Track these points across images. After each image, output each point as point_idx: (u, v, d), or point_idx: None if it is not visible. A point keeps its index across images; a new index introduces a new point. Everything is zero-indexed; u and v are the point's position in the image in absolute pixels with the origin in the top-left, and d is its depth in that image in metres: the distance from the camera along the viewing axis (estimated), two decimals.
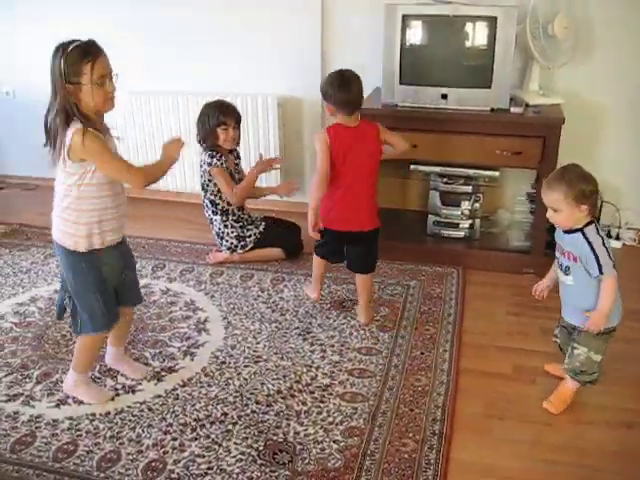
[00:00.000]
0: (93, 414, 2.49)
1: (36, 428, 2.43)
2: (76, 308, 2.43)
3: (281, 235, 3.63)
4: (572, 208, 2.20)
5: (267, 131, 3.98)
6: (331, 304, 3.20)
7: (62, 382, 2.67)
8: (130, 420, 2.45)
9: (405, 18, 3.16)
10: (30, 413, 2.51)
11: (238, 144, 3.55)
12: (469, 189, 3.48)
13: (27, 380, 2.69)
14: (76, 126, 2.14)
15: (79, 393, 2.58)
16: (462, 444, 2.30)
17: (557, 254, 2.40)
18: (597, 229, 2.27)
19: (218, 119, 3.38)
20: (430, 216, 3.61)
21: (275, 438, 2.35)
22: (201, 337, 2.97)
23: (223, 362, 2.79)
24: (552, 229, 2.46)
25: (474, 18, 3.14)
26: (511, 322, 3.02)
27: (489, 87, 3.17)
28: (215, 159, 3.41)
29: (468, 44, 3.22)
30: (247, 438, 2.35)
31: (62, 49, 2.13)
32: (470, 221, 3.54)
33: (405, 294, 3.27)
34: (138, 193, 4.37)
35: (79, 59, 2.13)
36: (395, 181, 3.78)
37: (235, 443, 2.33)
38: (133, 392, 2.62)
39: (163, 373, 2.72)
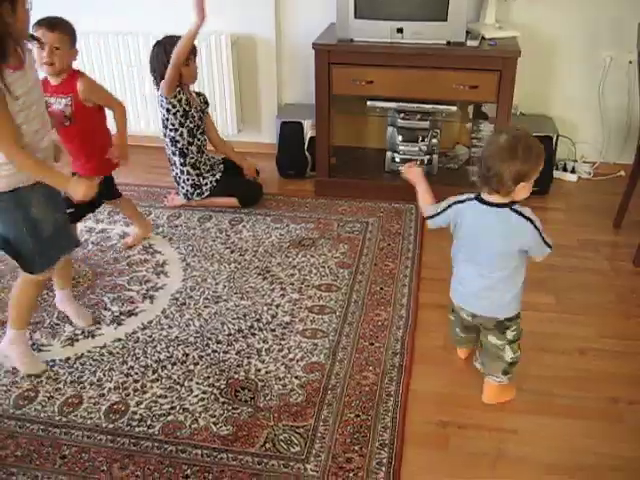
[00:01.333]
0: (53, 360, 2.47)
1: None
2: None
3: (238, 185, 3.56)
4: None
5: (221, 72, 3.87)
6: (290, 243, 3.19)
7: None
8: (90, 364, 2.44)
9: None
10: None
11: (196, 79, 3.43)
12: (427, 125, 3.47)
13: None
14: None
15: (11, 355, 2.42)
16: (422, 376, 2.35)
17: None
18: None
19: (168, 53, 3.24)
20: (388, 153, 3.60)
21: (237, 376, 2.36)
22: (160, 280, 2.94)
23: (183, 304, 2.78)
24: None
25: None
26: None
27: (445, 20, 3.13)
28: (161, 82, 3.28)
29: None
30: (209, 377, 2.36)
31: None
32: (428, 157, 3.53)
33: (364, 231, 3.28)
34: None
35: None
36: (352, 118, 3.74)
37: (197, 383, 2.34)
38: (93, 337, 2.60)
39: (122, 317, 2.70)
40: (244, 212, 3.48)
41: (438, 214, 2.21)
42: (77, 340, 2.58)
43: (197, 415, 2.20)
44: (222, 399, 2.26)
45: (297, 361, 2.43)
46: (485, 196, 2.03)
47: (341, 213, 3.45)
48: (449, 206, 2.16)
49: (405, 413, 2.18)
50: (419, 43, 3.19)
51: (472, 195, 2.09)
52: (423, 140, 3.49)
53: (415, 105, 3.41)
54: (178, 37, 3.20)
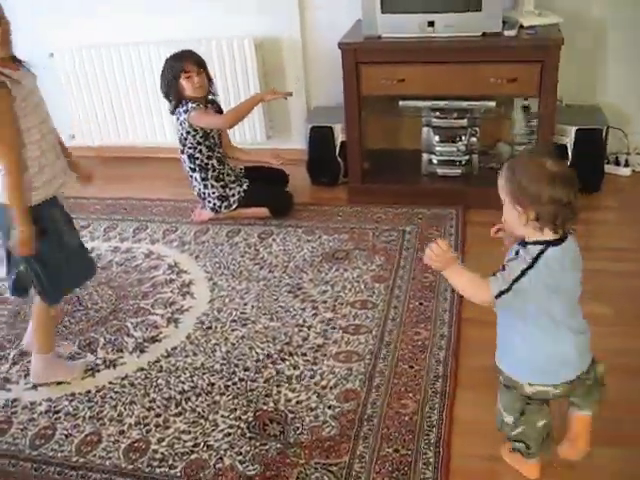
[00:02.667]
0: (72, 394, 2.34)
1: (12, 413, 2.28)
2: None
3: (268, 194, 3.38)
4: (511, 208, 1.60)
5: (246, 77, 3.71)
6: (323, 256, 3.00)
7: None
8: (111, 397, 2.30)
9: None
10: (6, 397, 2.36)
11: (211, 92, 3.27)
12: (464, 123, 3.23)
13: (3, 361, 2.54)
14: None
15: (54, 376, 2.40)
16: (467, 402, 2.14)
17: None
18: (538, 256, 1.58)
19: (175, 68, 3.12)
20: (424, 154, 3.37)
21: (265, 408, 2.19)
22: (185, 301, 2.79)
23: (209, 327, 2.61)
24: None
25: None
26: None
27: (479, 9, 2.89)
28: (190, 104, 3.15)
29: None
30: (235, 409, 2.19)
31: None
32: (467, 157, 3.30)
33: (401, 240, 3.06)
34: (110, 152, 4.17)
35: None
36: (385, 119, 3.52)
37: (222, 416, 2.17)
38: (114, 366, 2.46)
39: (146, 344, 2.55)
40: (274, 224, 3.30)
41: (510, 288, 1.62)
42: (98, 371, 2.44)
43: (222, 453, 2.03)
44: (249, 434, 2.09)
45: (330, 389, 2.24)
46: (548, 235, 1.60)
47: (376, 221, 3.24)
48: (522, 274, 1.59)
49: (449, 446, 1.97)
50: (452, 36, 2.96)
51: (538, 247, 1.60)
52: (461, 139, 3.26)
53: (451, 102, 3.18)
54: (187, 53, 3.15)
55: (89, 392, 2.33)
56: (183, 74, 3.10)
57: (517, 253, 1.62)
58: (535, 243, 1.60)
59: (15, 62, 2.09)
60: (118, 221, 3.48)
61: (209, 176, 3.26)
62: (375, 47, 3.06)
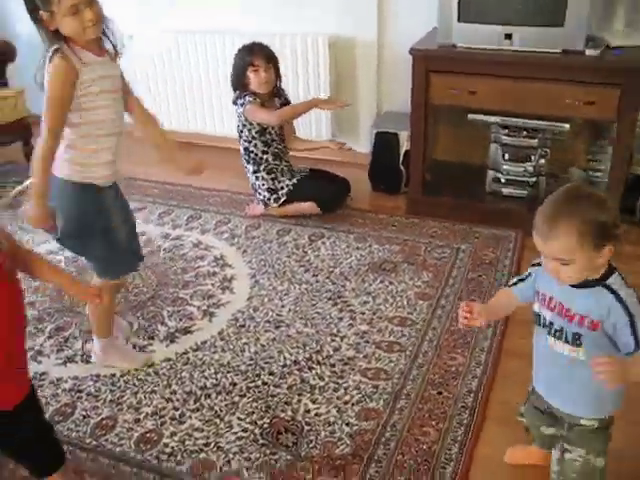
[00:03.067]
0: (98, 375, 2.34)
1: (38, 387, 2.30)
2: None
3: (315, 188, 3.30)
4: (590, 254, 1.41)
5: (317, 75, 3.65)
6: (370, 266, 2.91)
7: (74, 337, 2.55)
8: (134, 384, 2.30)
9: None
10: (36, 370, 2.38)
11: (277, 88, 3.24)
12: (535, 143, 3.07)
13: (39, 334, 2.58)
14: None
15: (112, 360, 2.40)
16: (492, 439, 2.01)
17: (539, 308, 1.61)
18: (623, 278, 1.49)
19: (245, 60, 3.10)
20: (490, 171, 3.23)
21: (282, 415, 2.13)
22: (224, 296, 2.76)
23: (242, 325, 2.57)
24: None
25: None
26: None
27: (561, 25, 2.72)
28: (247, 97, 3.13)
29: None
30: (252, 413, 2.14)
31: None
32: (535, 179, 3.13)
33: (453, 258, 2.94)
34: (178, 138, 4.18)
35: None
36: (453, 131, 3.39)
37: (239, 418, 2.12)
38: (143, 352, 2.45)
39: (177, 334, 2.54)
40: (326, 227, 3.23)
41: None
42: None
43: (231, 456, 1.98)
44: (262, 440, 2.03)
45: (352, 405, 2.15)
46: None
47: (431, 236, 3.12)
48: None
49: None
50: (530, 51, 2.80)
51: (617, 275, 1.49)
52: (530, 160, 3.10)
53: (522, 120, 3.02)
54: (258, 46, 3.12)
55: (114, 376, 2.34)
56: (251, 67, 3.09)
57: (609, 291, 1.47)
58: (607, 274, 1.48)
59: (101, 48, 2.07)
60: (174, 207, 3.49)
61: (261, 169, 3.25)
62: (448, 56, 2.94)
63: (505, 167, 3.16)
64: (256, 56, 3.09)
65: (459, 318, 1.65)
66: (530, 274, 1.67)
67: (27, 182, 3.01)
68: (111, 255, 2.20)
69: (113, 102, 2.11)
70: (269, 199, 3.28)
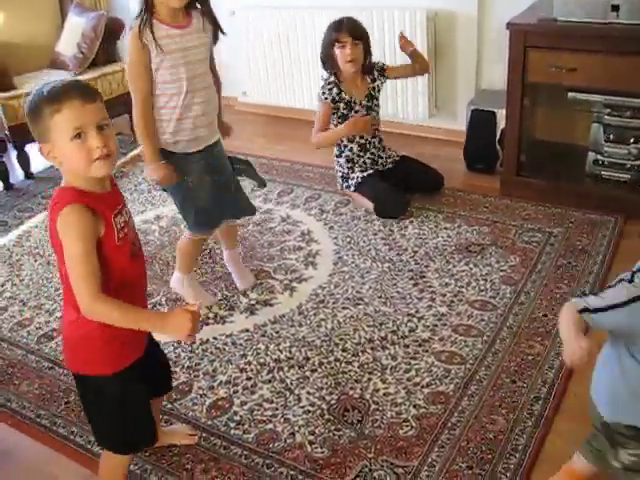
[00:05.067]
0: (179, 342, 2.44)
1: None
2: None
3: (376, 190, 3.16)
4: None
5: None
6: (456, 247, 2.85)
7: (160, 305, 2.67)
8: (211, 353, 2.38)
9: None
10: None
11: (368, 65, 3.15)
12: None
13: None
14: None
15: (183, 292, 2.63)
16: (562, 434, 1.93)
17: None
18: None
19: (331, 36, 3.05)
20: (590, 153, 3.06)
21: (351, 393, 2.14)
22: (307, 271, 2.79)
23: (321, 301, 2.60)
24: None
25: None
26: None
27: None
28: (324, 89, 3.12)
29: None
30: (322, 388, 2.17)
31: None
32: (639, 162, 2.94)
33: (544, 242, 2.82)
34: (276, 112, 4.23)
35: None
36: (552, 110, 3.23)
37: (308, 392, 2.16)
38: (223, 322, 2.54)
39: (257, 306, 2.60)
40: (416, 206, 3.18)
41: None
42: (207, 324, 2.52)
43: (296, 429, 2.02)
44: (328, 416, 2.06)
45: (422, 387, 2.13)
46: None
47: (524, 218, 3.01)
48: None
49: (528, 478, 1.80)
50: (638, 24, 2.62)
51: None
52: (635, 142, 2.91)
53: (627, 100, 2.83)
54: (345, 21, 3.07)
55: (193, 343, 2.43)
56: (337, 43, 3.03)
57: None
58: None
59: (185, 17, 2.21)
60: (267, 181, 3.54)
61: (342, 155, 3.22)
62: (547, 30, 2.79)
63: (607, 149, 2.98)
64: (343, 32, 3.03)
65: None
66: (618, 305, 1.40)
67: (131, 154, 3.24)
68: (190, 211, 2.41)
69: (194, 72, 2.22)
70: (342, 185, 3.28)
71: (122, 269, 1.53)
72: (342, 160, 3.24)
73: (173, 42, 2.17)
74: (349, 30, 3.03)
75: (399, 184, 3.19)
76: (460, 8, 3.48)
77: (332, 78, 3.12)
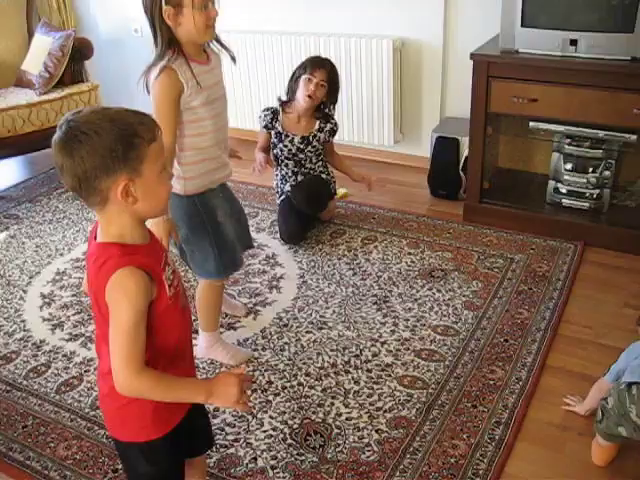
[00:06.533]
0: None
1: (85, 372, 2.41)
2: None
3: (279, 213, 3.24)
4: None
5: (381, 78, 3.62)
6: (419, 272, 2.88)
7: None
8: None
9: None
10: (84, 355, 2.50)
11: (323, 110, 3.16)
12: (599, 154, 2.95)
13: (92, 321, 2.67)
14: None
15: (215, 355, 2.43)
16: (523, 458, 1.95)
17: None
18: None
19: (306, 66, 3.07)
20: (551, 181, 3.12)
21: (314, 417, 2.13)
22: (271, 295, 2.79)
23: (285, 325, 2.60)
24: None
25: None
26: (627, 316, 2.49)
27: (631, 31, 2.60)
28: (260, 115, 3.20)
29: None
30: (284, 412, 2.16)
31: None
32: (598, 191, 3.01)
33: (506, 269, 2.86)
34: (241, 134, 4.24)
35: None
36: (514, 138, 3.30)
37: (270, 417, 2.15)
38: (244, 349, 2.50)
39: (221, 329, 2.57)
40: (380, 231, 3.21)
41: None
42: None
43: (258, 453, 2.01)
44: (290, 440, 2.05)
45: (384, 412, 2.14)
46: None
47: (486, 244, 3.06)
48: None
49: None
50: (596, 58, 2.69)
51: None
52: (594, 171, 2.98)
53: (586, 130, 2.90)
54: (329, 63, 3.13)
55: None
56: (308, 75, 3.04)
57: None
58: None
59: (206, 53, 2.11)
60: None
61: (279, 170, 3.29)
62: (509, 62, 2.86)
63: (567, 177, 3.05)
64: (320, 69, 3.05)
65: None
66: None
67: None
68: (213, 254, 2.21)
69: (218, 110, 2.14)
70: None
71: (174, 326, 1.42)
72: (278, 175, 3.28)
73: (203, 79, 2.05)
74: (326, 71, 3.06)
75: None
76: (426, 38, 3.54)
77: (274, 107, 3.18)
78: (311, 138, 3.16)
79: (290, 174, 3.23)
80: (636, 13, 2.59)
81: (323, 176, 3.26)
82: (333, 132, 3.21)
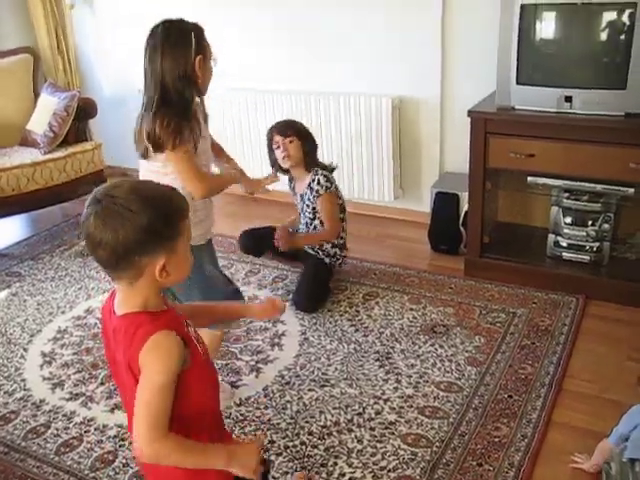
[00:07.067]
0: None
1: (85, 432, 2.38)
2: None
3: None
4: None
5: (380, 135, 3.68)
6: (421, 328, 2.87)
7: None
8: None
9: (524, 8, 2.74)
10: (84, 415, 2.47)
11: (310, 161, 3.15)
12: (597, 207, 2.97)
13: (92, 380, 2.66)
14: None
15: None
16: None
17: None
18: None
19: (268, 141, 3.18)
20: (551, 235, 3.14)
21: (317, 477, 2.10)
22: (273, 352, 2.78)
23: (287, 382, 2.58)
24: None
25: (608, 6, 2.65)
26: (631, 370, 2.49)
27: (624, 88, 2.66)
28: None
29: (599, 37, 2.74)
30: (287, 473, 2.13)
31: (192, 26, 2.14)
32: (597, 244, 3.03)
33: (508, 323, 2.85)
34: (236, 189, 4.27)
35: (202, 32, 2.15)
36: (513, 193, 3.33)
37: (273, 477, 2.11)
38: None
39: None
40: (382, 287, 3.22)
41: None
42: None
43: None
44: None
45: (388, 471, 2.11)
46: None
47: (487, 299, 3.05)
48: None
49: None
50: (590, 114, 2.74)
51: None
52: (593, 224, 3.00)
53: (584, 184, 2.94)
54: (276, 124, 3.18)
55: None
56: (273, 142, 3.13)
57: None
58: None
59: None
60: (234, 261, 3.56)
61: None
62: (506, 118, 2.91)
63: (566, 231, 3.07)
64: (274, 134, 3.12)
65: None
66: None
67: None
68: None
69: (209, 161, 2.30)
70: None
71: (209, 384, 1.46)
72: None
73: (202, 136, 2.22)
74: (278, 131, 3.11)
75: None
76: (424, 95, 3.61)
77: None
78: (304, 196, 3.21)
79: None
80: (628, 70, 2.65)
81: (320, 255, 3.23)
82: (311, 189, 3.15)
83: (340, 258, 3.26)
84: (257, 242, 3.30)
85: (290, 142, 3.09)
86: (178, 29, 2.13)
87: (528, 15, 2.76)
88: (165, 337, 1.30)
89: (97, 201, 1.28)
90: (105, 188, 1.31)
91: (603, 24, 2.70)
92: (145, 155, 2.20)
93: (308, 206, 3.17)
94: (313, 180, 3.13)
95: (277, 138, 3.10)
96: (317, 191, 3.11)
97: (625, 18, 2.63)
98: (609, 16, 2.68)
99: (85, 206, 1.30)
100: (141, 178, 2.18)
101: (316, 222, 3.19)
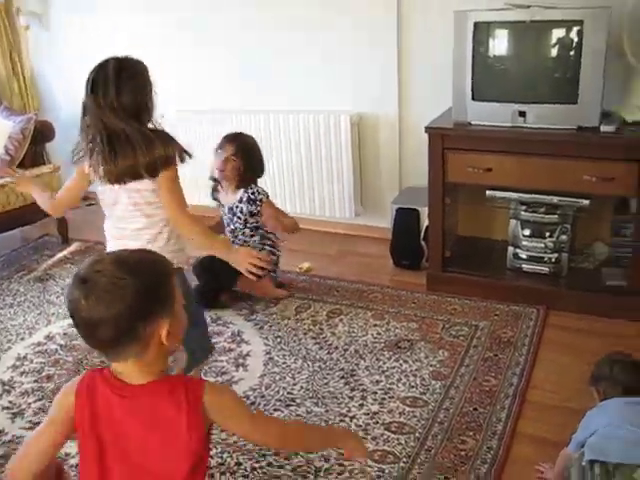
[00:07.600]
0: None
1: None
2: None
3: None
4: None
5: (339, 153, 3.71)
6: (385, 343, 2.88)
7: None
8: None
9: (477, 26, 2.80)
10: None
11: (242, 181, 3.21)
12: (554, 219, 3.03)
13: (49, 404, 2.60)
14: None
15: None
16: None
17: None
18: None
19: (219, 143, 3.22)
20: (510, 247, 3.19)
21: None
22: (237, 373, 2.75)
23: (253, 403, 2.55)
24: None
25: (556, 23, 2.74)
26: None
27: (575, 102, 2.74)
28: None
29: (549, 53, 2.82)
30: None
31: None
32: (556, 255, 3.08)
33: (471, 336, 2.88)
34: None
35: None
36: (473, 207, 3.38)
37: None
38: None
39: None
40: (345, 303, 3.22)
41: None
42: None
43: None
44: None
45: None
46: None
47: (450, 313, 3.08)
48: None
49: None
50: (544, 128, 2.81)
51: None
52: (551, 236, 3.06)
53: (540, 197, 2.99)
54: (231, 136, 3.20)
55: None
56: (218, 148, 3.19)
57: None
58: None
59: None
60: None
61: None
62: (463, 134, 2.96)
63: (525, 243, 3.12)
64: (227, 143, 3.17)
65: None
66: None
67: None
68: (201, 333, 2.32)
69: None
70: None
71: None
72: None
73: None
74: (235, 145, 3.16)
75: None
76: (382, 112, 3.65)
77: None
78: (234, 209, 3.24)
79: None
80: (578, 85, 2.72)
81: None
82: (252, 201, 3.19)
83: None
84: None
85: (233, 160, 3.14)
86: (130, 63, 2.13)
87: (481, 33, 2.82)
88: (213, 386, 1.43)
89: (83, 281, 1.25)
90: (86, 267, 1.28)
91: (553, 41, 2.78)
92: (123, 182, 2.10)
93: (240, 217, 3.23)
94: (252, 193, 3.19)
95: (225, 147, 3.16)
96: (260, 200, 3.20)
97: (573, 35, 2.71)
98: (558, 33, 2.76)
99: (68, 292, 1.27)
100: (114, 205, 2.15)
101: (246, 230, 3.25)
